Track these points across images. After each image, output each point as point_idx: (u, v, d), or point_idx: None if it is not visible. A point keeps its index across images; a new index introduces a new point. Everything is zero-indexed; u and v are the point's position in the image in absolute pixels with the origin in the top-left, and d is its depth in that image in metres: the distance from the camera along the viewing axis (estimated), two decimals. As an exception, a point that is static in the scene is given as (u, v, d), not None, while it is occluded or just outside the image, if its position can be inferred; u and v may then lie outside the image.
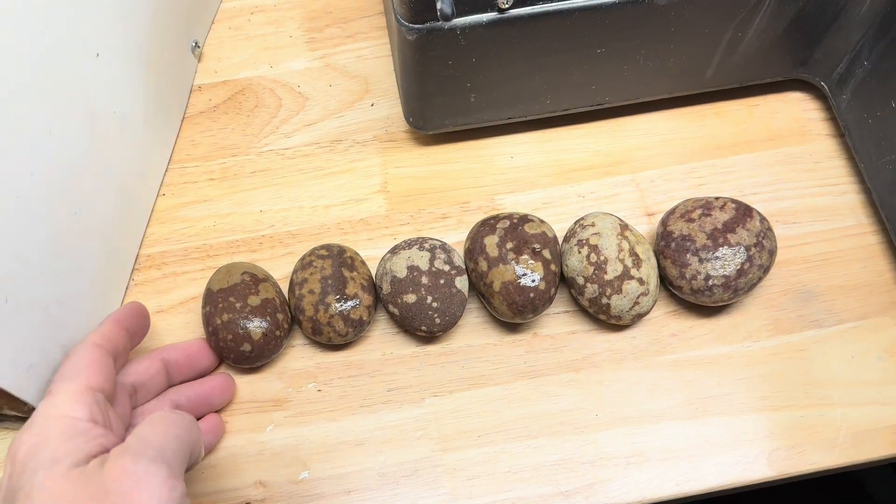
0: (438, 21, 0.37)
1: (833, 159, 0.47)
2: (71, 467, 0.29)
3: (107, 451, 0.31)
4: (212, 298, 0.40)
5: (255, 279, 0.41)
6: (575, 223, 0.42)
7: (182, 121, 0.49)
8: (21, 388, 0.34)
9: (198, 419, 0.39)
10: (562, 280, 0.42)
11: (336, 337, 0.40)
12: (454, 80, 0.42)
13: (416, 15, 0.37)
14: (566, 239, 0.42)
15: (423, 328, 0.40)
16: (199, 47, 0.50)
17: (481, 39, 0.39)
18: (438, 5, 0.34)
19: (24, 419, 0.37)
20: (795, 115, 0.48)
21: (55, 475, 0.29)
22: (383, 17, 0.52)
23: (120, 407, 0.36)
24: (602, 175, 0.47)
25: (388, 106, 0.49)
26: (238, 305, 0.39)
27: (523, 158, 0.47)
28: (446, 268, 0.41)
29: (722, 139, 0.47)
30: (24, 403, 0.35)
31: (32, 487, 0.29)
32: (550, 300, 0.40)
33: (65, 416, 0.31)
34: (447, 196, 0.46)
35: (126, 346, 0.37)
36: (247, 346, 0.39)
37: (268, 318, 0.39)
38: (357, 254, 0.42)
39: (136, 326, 0.38)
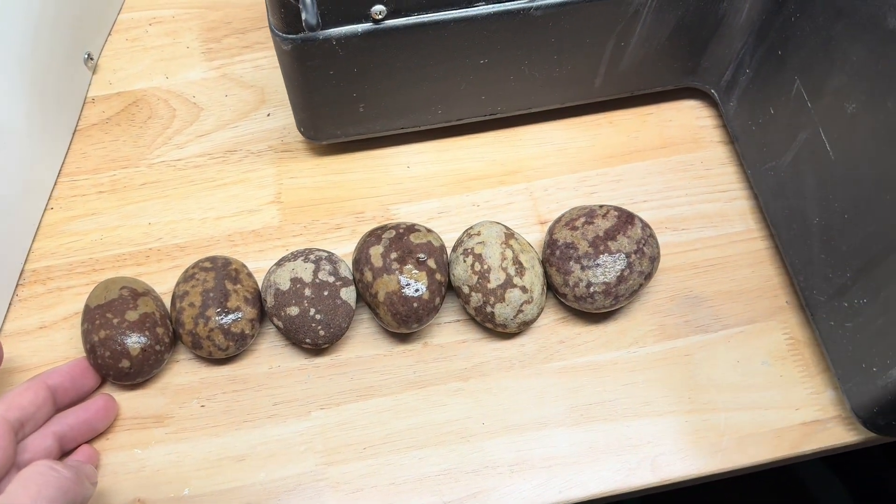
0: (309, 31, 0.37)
1: (724, 166, 0.48)
2: None
3: None
4: (89, 315, 0.39)
5: (135, 293, 0.40)
6: (463, 232, 0.42)
7: (73, 133, 0.48)
8: None
9: (75, 447, 0.39)
10: (450, 289, 0.42)
11: (216, 351, 0.39)
12: (338, 89, 0.42)
13: (289, 25, 0.37)
14: (454, 248, 0.42)
15: (308, 341, 0.40)
16: (92, 59, 0.49)
17: (359, 50, 0.39)
18: (303, 16, 0.33)
19: None
20: (689, 122, 0.49)
21: None
22: (282, 28, 0.52)
23: (3, 449, 0.34)
24: (497, 184, 0.47)
25: (284, 116, 0.49)
26: (115, 321, 0.39)
27: (420, 168, 0.47)
28: (331, 279, 0.40)
29: (615, 148, 0.48)
30: None
31: None
32: (435, 310, 0.40)
33: None
34: (342, 206, 0.46)
35: None
36: (125, 363, 0.39)
37: (146, 333, 0.39)
38: (244, 266, 0.42)
39: None
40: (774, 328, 0.43)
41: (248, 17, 0.52)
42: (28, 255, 0.44)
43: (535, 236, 0.45)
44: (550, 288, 0.42)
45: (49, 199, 0.46)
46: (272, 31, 0.38)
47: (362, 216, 0.46)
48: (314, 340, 0.40)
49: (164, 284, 0.43)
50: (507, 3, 0.39)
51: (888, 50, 0.33)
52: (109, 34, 0.51)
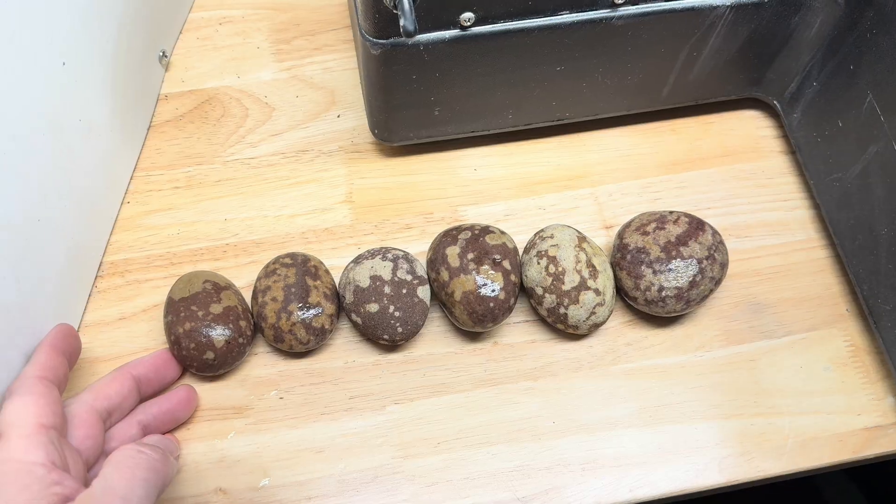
0: (402, 37, 0.38)
1: (785, 176, 0.49)
2: None
3: (67, 499, 0.30)
4: (173, 307, 0.40)
5: (217, 287, 0.41)
6: (535, 235, 0.43)
7: (148, 129, 0.49)
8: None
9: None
10: (522, 290, 0.43)
11: (297, 345, 0.40)
12: (418, 93, 0.43)
13: (381, 31, 0.38)
14: (526, 250, 0.43)
15: (386, 337, 0.41)
16: (166, 57, 0.50)
17: (444, 55, 0.40)
18: (401, 22, 0.34)
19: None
20: (750, 132, 0.50)
21: None
22: (350, 31, 0.53)
23: (93, 437, 0.35)
24: (562, 188, 0.48)
25: (354, 118, 0.50)
26: (200, 314, 0.40)
27: (486, 171, 0.48)
28: (408, 277, 0.41)
29: (677, 155, 0.49)
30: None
31: None
32: (510, 309, 0.41)
33: (19, 462, 0.30)
34: (411, 207, 0.47)
35: (66, 372, 0.36)
36: (210, 355, 0.40)
37: (230, 326, 0.40)
38: (321, 263, 0.43)
39: (71, 349, 0.37)
40: (836, 335, 0.44)
41: (317, 19, 0.53)
42: (106, 247, 0.45)
43: (600, 240, 0.46)
44: (619, 291, 0.43)
45: (125, 193, 0.47)
46: (362, 35, 0.39)
47: (431, 217, 0.47)
48: (392, 336, 0.41)
49: (241, 279, 0.44)
50: (590, 12, 0.40)
51: (971, 68, 0.34)
52: (181, 33, 0.52)
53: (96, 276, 0.44)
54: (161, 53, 0.50)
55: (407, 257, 0.42)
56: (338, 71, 0.51)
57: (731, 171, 0.48)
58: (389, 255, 0.42)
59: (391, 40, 0.39)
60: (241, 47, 0.52)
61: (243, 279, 0.44)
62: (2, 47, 0.34)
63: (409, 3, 0.35)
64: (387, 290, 0.41)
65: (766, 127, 0.50)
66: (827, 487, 0.80)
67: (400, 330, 0.41)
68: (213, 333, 0.39)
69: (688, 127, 0.50)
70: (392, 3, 0.36)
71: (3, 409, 0.32)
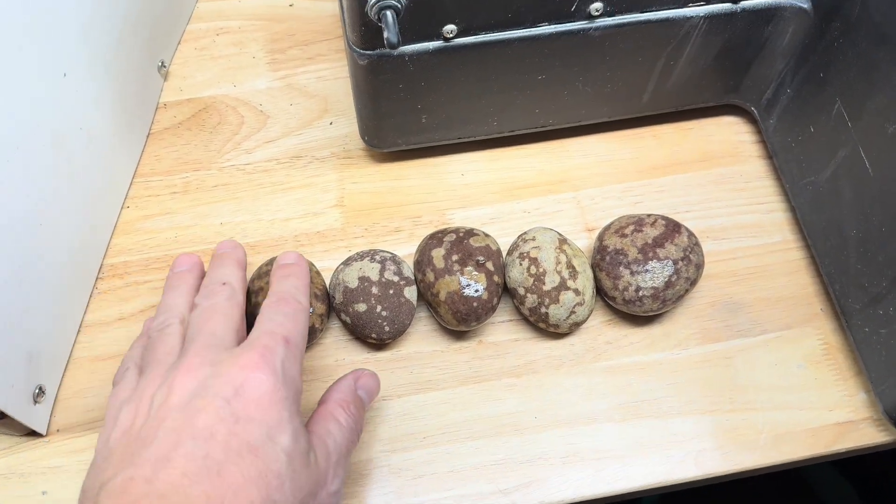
0: (387, 48, 0.40)
1: (762, 179, 0.50)
2: None
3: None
4: (171, 306, 0.42)
5: None
6: (518, 237, 0.45)
7: (147, 137, 0.51)
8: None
9: None
10: (505, 291, 0.45)
11: None
12: (405, 101, 0.44)
13: (367, 42, 0.40)
14: (509, 252, 0.45)
15: (374, 336, 0.43)
16: (164, 67, 0.52)
17: (429, 65, 0.42)
18: (385, 34, 0.36)
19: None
20: (728, 137, 0.52)
21: None
22: (342, 41, 0.54)
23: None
24: (546, 192, 0.50)
25: (345, 125, 0.51)
26: None
27: (473, 176, 0.50)
28: (395, 278, 0.43)
29: (658, 160, 0.50)
30: (-11, 405, 0.37)
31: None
32: (493, 309, 0.43)
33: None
34: (400, 211, 0.49)
35: None
36: None
37: None
38: (313, 265, 0.45)
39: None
40: (810, 334, 0.45)
41: (311, 30, 0.55)
42: (107, 250, 0.47)
43: (582, 242, 0.48)
44: (599, 291, 0.45)
45: (125, 198, 0.49)
46: (350, 47, 0.41)
47: (419, 220, 0.48)
48: (379, 335, 0.42)
49: (236, 281, 0.45)
50: (568, 24, 0.41)
51: (928, 76, 0.36)
52: (179, 43, 0.54)
53: (97, 278, 0.46)
54: (160, 63, 0.52)
55: (394, 259, 0.44)
56: (330, 80, 0.53)
57: (710, 176, 0.50)
58: (377, 257, 0.44)
59: (377, 51, 0.40)
60: (238, 57, 0.54)
61: (238, 281, 0.46)
62: (5, 58, 0.36)
63: (393, 16, 0.37)
64: (374, 290, 0.42)
65: (745, 132, 0.52)
66: (821, 485, 0.81)
67: (387, 329, 0.42)
68: None
69: (668, 133, 0.51)
70: (377, 17, 0.37)
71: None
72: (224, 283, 0.37)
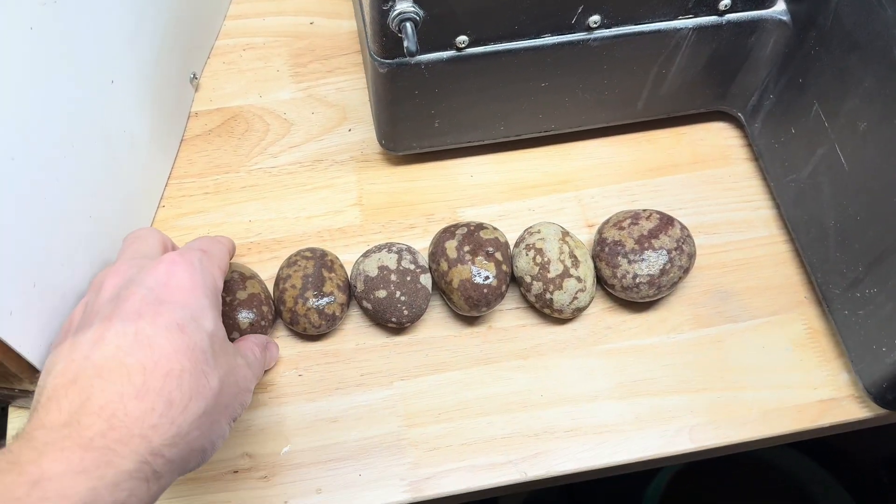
0: (405, 57, 0.44)
1: (750, 180, 0.54)
2: None
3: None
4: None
5: (243, 277, 0.47)
6: (524, 231, 0.49)
7: (181, 142, 0.55)
8: (42, 363, 0.39)
9: None
10: (512, 280, 0.48)
11: (310, 328, 0.46)
12: (420, 107, 0.49)
13: (387, 52, 0.44)
14: (516, 244, 0.48)
15: (393, 320, 0.46)
16: (196, 78, 0.56)
17: (442, 73, 0.46)
18: (405, 44, 0.40)
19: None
20: (718, 142, 0.56)
21: None
22: (359, 56, 0.59)
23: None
24: (550, 192, 0.53)
25: (363, 131, 0.56)
26: (228, 299, 0.45)
27: (482, 177, 0.54)
28: (412, 267, 0.47)
29: (653, 162, 0.54)
30: (44, 377, 0.40)
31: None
32: (502, 296, 0.47)
33: None
34: (415, 209, 0.53)
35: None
36: (236, 335, 0.45)
37: (254, 310, 0.45)
38: (337, 258, 0.48)
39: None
40: (795, 319, 0.49)
41: (330, 45, 0.59)
42: (144, 245, 0.51)
43: (583, 237, 0.51)
44: (599, 280, 0.48)
45: (161, 198, 0.53)
46: (371, 56, 0.45)
47: (433, 217, 0.52)
48: (399, 319, 0.46)
49: (264, 272, 0.49)
50: (569, 35, 0.46)
51: (894, 76, 0.40)
52: (209, 57, 0.59)
53: (135, 271, 0.50)
54: (192, 75, 0.56)
55: (410, 250, 0.48)
56: (348, 91, 0.57)
57: (701, 177, 0.54)
58: (394, 248, 0.47)
59: (396, 60, 0.45)
60: (263, 70, 0.58)
61: (266, 272, 0.49)
62: (62, 65, 0.40)
63: (412, 27, 0.41)
64: (393, 277, 0.46)
65: (733, 137, 0.56)
66: (816, 488, 0.84)
67: (406, 313, 0.46)
68: (238, 316, 0.45)
69: (662, 137, 0.55)
70: (397, 28, 0.42)
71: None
72: (204, 251, 0.39)
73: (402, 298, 0.46)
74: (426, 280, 0.47)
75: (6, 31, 0.36)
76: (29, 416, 0.31)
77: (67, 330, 0.37)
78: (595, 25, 0.45)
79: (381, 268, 0.46)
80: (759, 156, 0.53)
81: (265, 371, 0.45)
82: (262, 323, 0.46)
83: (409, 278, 0.46)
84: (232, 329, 0.45)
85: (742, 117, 0.54)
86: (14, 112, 0.36)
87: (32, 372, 0.40)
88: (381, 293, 0.46)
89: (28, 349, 0.38)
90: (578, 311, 0.47)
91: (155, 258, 0.37)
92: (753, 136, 0.53)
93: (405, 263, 0.47)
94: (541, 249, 0.47)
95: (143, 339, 0.32)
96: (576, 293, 0.46)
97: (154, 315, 0.33)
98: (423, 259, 0.48)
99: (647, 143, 0.55)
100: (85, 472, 0.28)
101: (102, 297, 0.35)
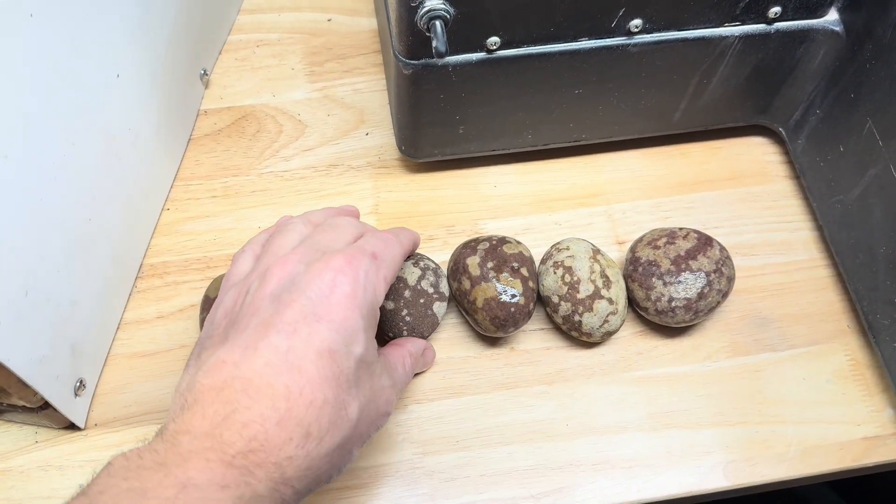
0: (433, 58, 0.41)
1: (790, 199, 0.51)
2: None
3: None
4: (208, 305, 0.43)
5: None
6: (551, 247, 0.46)
7: (188, 142, 0.52)
8: (33, 377, 0.36)
9: None
10: (538, 299, 0.45)
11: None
12: (444, 112, 0.46)
13: (413, 52, 0.41)
14: (543, 261, 0.45)
15: (390, 335, 0.43)
16: (206, 75, 0.54)
17: (471, 76, 0.43)
18: (434, 44, 0.37)
19: (30, 410, 0.40)
20: (756, 157, 0.53)
21: None
22: (379, 55, 0.56)
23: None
24: (578, 206, 0.50)
25: (381, 135, 0.53)
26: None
27: (506, 188, 0.51)
28: (430, 290, 0.44)
29: (687, 177, 0.51)
30: (35, 393, 0.37)
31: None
32: (529, 314, 0.43)
33: None
34: (434, 219, 0.50)
35: None
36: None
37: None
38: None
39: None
40: (837, 350, 0.46)
41: (348, 44, 0.56)
42: (147, 250, 0.48)
43: (613, 255, 0.48)
44: (630, 303, 0.45)
45: (166, 200, 0.50)
46: (395, 56, 0.42)
47: (453, 229, 0.49)
48: (396, 336, 0.43)
49: (273, 283, 0.46)
50: (607, 39, 0.43)
51: (962, 95, 0.37)
52: (220, 53, 0.56)
53: (137, 277, 0.47)
54: (202, 72, 0.53)
55: (436, 272, 0.44)
56: (366, 92, 0.54)
57: (738, 194, 0.51)
58: (421, 264, 0.44)
59: (422, 61, 0.42)
60: (277, 68, 0.55)
61: (275, 283, 0.46)
62: (64, 56, 0.37)
63: (441, 26, 0.38)
64: (406, 293, 0.43)
65: (772, 153, 0.53)
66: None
67: (405, 334, 0.43)
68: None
69: (697, 151, 0.52)
70: (426, 27, 0.39)
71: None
72: (376, 256, 0.36)
73: (407, 318, 0.43)
74: (439, 309, 0.44)
75: (3, 17, 0.33)
76: (173, 404, 0.31)
77: (224, 294, 0.36)
78: (636, 30, 0.42)
79: (399, 278, 0.43)
80: (801, 173, 0.50)
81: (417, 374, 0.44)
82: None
83: (422, 300, 0.43)
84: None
85: (783, 132, 0.51)
86: (8, 104, 0.33)
87: (22, 386, 0.37)
88: (389, 304, 0.43)
89: (17, 363, 0.35)
90: (608, 335, 0.44)
91: (329, 252, 0.35)
92: (796, 153, 0.50)
93: (424, 284, 0.44)
94: (570, 268, 0.44)
95: (293, 359, 0.31)
96: (606, 316, 0.43)
97: (309, 334, 0.31)
98: (446, 287, 0.45)
99: (681, 157, 0.52)
100: (227, 489, 0.28)
101: (265, 290, 0.33)
